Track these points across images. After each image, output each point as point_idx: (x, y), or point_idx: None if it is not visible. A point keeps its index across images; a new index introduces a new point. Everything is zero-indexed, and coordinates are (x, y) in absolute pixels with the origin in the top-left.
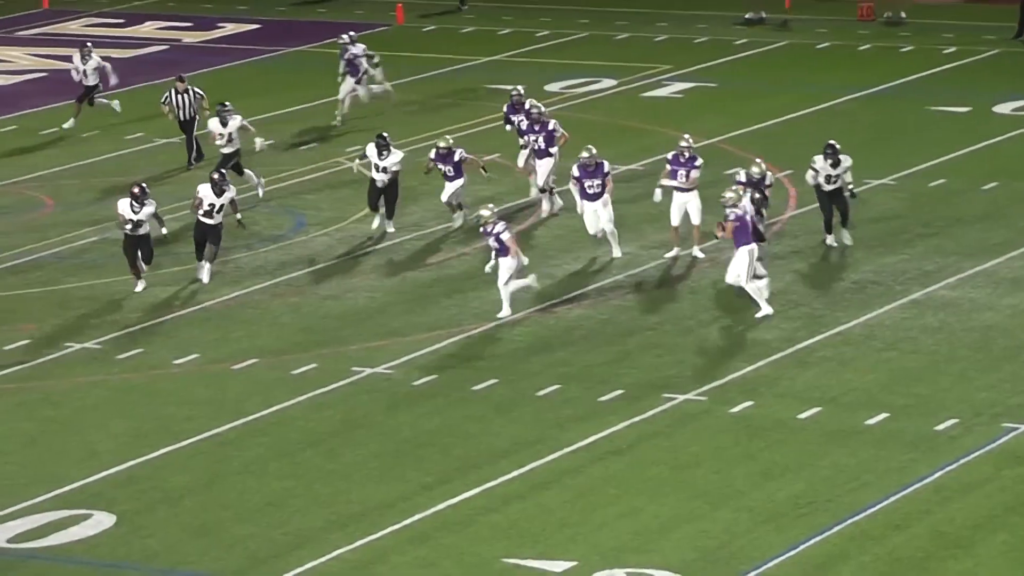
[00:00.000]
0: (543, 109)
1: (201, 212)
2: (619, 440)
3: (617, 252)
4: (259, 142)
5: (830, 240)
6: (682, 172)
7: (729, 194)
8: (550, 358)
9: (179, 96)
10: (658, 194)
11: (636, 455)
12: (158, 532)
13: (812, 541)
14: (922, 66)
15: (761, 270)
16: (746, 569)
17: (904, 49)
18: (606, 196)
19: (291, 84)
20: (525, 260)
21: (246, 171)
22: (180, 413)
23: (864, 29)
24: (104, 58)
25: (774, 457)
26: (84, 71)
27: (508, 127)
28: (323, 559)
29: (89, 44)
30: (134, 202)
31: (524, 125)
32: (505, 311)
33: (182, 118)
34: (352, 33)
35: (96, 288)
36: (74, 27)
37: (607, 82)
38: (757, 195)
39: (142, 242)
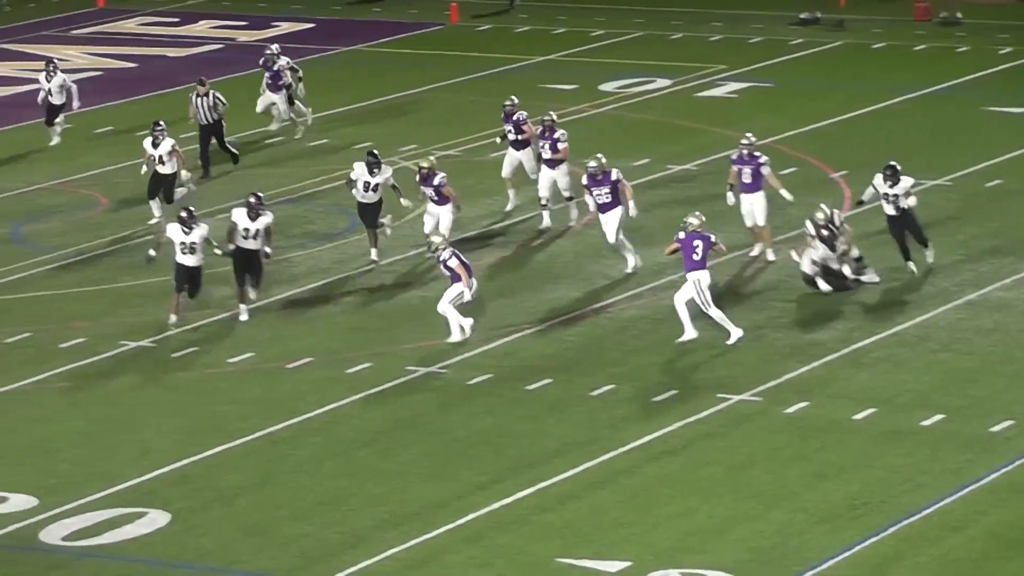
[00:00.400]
0: (555, 117)
1: (239, 237)
2: (673, 440)
3: (631, 265)
4: (185, 175)
5: (911, 267)
6: (746, 170)
7: (691, 219)
8: (604, 358)
9: (199, 100)
10: (730, 197)
11: (690, 455)
12: (212, 531)
13: (867, 542)
14: (978, 66)
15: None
16: (801, 570)
17: (960, 49)
18: (619, 208)
19: (345, 83)
20: (470, 290)
21: (155, 201)
22: (234, 412)
23: (920, 29)
24: (70, 78)
25: (829, 458)
26: (49, 89)
27: (502, 138)
28: (377, 558)
29: (55, 61)
30: (183, 227)
31: (512, 136)
32: (455, 336)
33: (202, 122)
34: (277, 46)
35: (150, 286)
36: (129, 26)
37: (662, 82)
38: (827, 233)
39: (194, 274)
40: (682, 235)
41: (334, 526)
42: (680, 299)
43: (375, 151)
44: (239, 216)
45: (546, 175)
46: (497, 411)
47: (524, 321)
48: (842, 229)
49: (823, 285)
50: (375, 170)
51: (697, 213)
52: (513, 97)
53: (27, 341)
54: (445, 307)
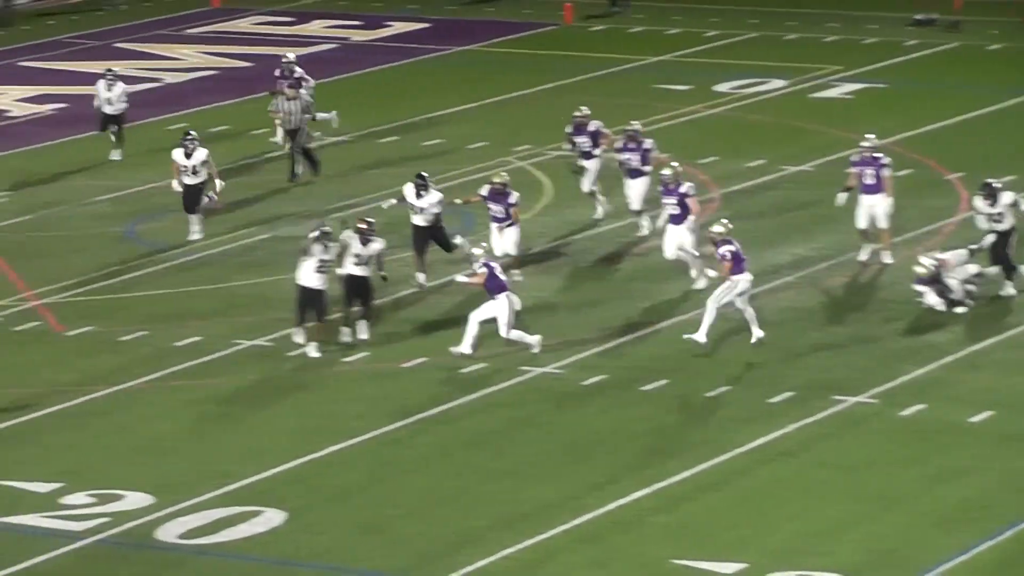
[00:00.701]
0: (639, 128)
1: (350, 262)
2: (788, 442)
3: (701, 283)
4: (219, 184)
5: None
6: (868, 172)
7: (718, 228)
8: (719, 358)
9: (289, 103)
10: (840, 198)
11: (806, 457)
12: (327, 529)
13: (984, 545)
14: None
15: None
16: (917, 573)
17: None
18: (688, 222)
19: (459, 83)
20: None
21: (197, 216)
22: (349, 411)
23: None
24: (129, 90)
25: (945, 461)
26: (108, 98)
27: (570, 148)
28: (492, 558)
29: (114, 70)
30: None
31: (587, 146)
32: (464, 348)
33: (291, 127)
34: (293, 54)
35: (264, 286)
36: (243, 25)
37: (776, 83)
38: (939, 286)
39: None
40: (729, 247)
41: (448, 525)
42: (742, 304)
43: (424, 174)
44: (351, 241)
45: (633, 186)
46: (612, 412)
47: (640, 321)
48: (947, 267)
49: (938, 304)
50: (422, 193)
51: (724, 220)
52: (583, 107)
53: (143, 340)
54: (475, 319)
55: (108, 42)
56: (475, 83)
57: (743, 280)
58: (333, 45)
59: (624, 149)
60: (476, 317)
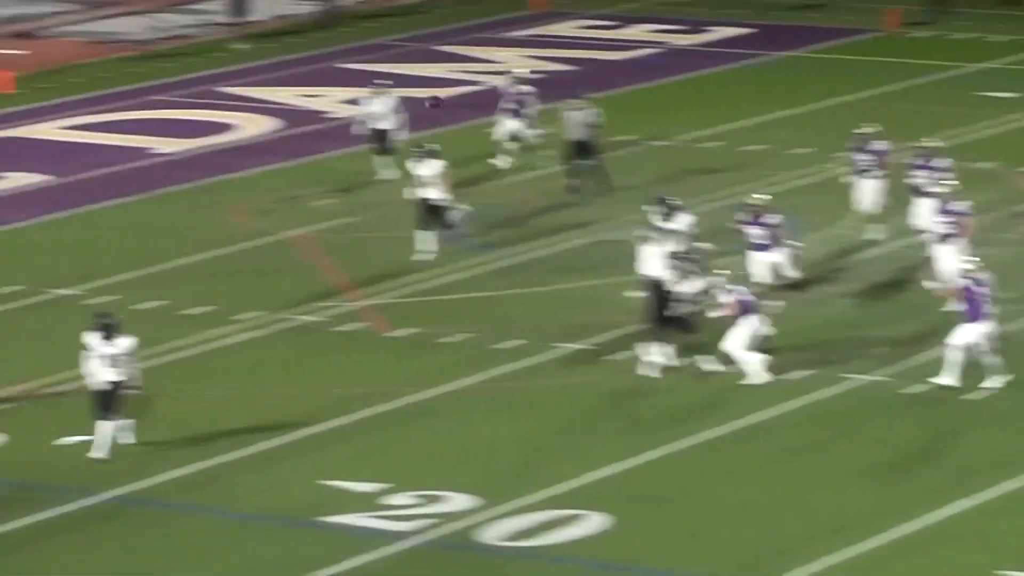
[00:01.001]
0: (934, 144)
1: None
2: None
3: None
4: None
5: None
6: None
7: (966, 264)
8: None
9: (575, 114)
10: None
11: None
12: (649, 534)
13: None
14: None
15: None
16: None
17: None
18: (958, 241)
19: (781, 89)
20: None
21: (450, 214)
22: (672, 415)
23: None
24: (399, 100)
25: None
26: (379, 113)
27: (854, 163)
28: (812, 567)
29: (387, 82)
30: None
31: (867, 164)
32: (753, 378)
33: (577, 139)
34: (525, 69)
35: (585, 290)
36: (565, 29)
37: None
38: None
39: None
40: (976, 289)
41: (769, 533)
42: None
43: (666, 197)
44: (670, 278)
45: (920, 205)
46: (937, 420)
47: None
48: None
49: None
50: (668, 217)
51: (975, 257)
52: (867, 125)
53: (467, 342)
54: (733, 348)
55: (427, 44)
56: (798, 89)
57: (978, 328)
58: (653, 50)
59: (915, 166)
60: (730, 346)
